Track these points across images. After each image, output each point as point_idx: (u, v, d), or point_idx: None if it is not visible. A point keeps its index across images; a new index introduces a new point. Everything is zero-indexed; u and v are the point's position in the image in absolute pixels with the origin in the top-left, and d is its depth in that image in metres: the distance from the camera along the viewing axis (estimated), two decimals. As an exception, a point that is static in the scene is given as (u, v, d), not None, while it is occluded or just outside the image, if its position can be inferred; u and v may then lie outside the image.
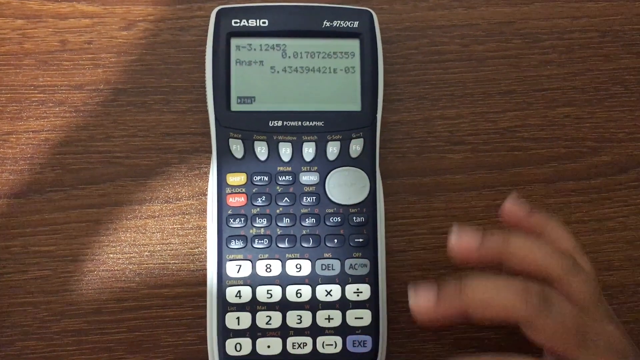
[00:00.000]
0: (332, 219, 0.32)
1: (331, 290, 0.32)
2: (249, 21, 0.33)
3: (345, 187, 0.32)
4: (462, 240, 0.28)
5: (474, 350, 0.35)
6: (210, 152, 0.33)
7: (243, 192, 0.32)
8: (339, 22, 0.33)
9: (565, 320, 0.27)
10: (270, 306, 0.31)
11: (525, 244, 0.28)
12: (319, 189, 0.32)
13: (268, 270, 0.32)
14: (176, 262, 0.34)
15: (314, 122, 0.33)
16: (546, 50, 0.38)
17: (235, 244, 0.32)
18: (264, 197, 0.32)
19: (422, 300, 0.27)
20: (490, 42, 0.37)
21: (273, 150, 0.32)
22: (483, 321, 0.27)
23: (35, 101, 0.35)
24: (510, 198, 0.31)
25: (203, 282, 0.34)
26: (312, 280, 0.32)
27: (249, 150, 0.32)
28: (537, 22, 0.38)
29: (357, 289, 0.32)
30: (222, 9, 0.33)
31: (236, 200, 0.32)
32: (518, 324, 0.27)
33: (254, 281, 0.32)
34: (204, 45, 0.33)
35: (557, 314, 0.26)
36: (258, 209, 0.32)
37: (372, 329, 0.32)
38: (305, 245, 0.32)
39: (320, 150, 0.33)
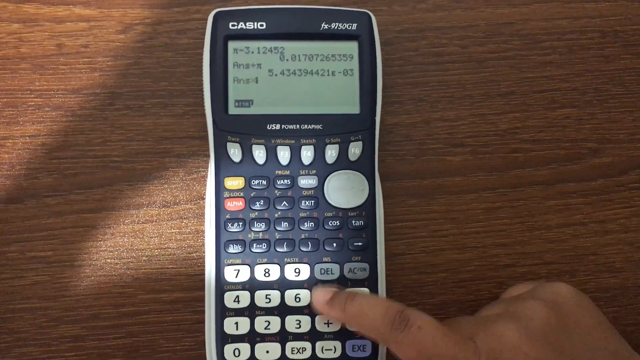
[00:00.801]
0: (331, 223, 0.32)
1: (330, 294, 0.31)
2: (247, 24, 0.33)
3: (344, 191, 0.32)
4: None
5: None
6: (208, 156, 0.33)
7: (241, 196, 0.32)
8: (337, 24, 0.33)
9: (420, 343, 0.27)
10: (268, 311, 0.31)
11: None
12: (318, 192, 0.32)
13: (266, 274, 0.31)
14: (174, 267, 0.34)
15: (313, 125, 0.32)
16: (546, 52, 0.37)
17: (234, 249, 0.31)
18: (262, 201, 0.32)
19: (319, 300, 0.30)
20: (489, 44, 0.37)
21: (271, 154, 0.32)
22: (360, 333, 0.30)
23: (31, 105, 0.35)
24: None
25: (201, 287, 0.33)
26: (311, 284, 0.32)
27: (247, 153, 0.32)
28: (537, 23, 0.38)
29: (357, 293, 0.32)
30: (219, 11, 0.33)
31: (234, 205, 0.32)
32: (383, 342, 0.29)
33: (252, 286, 0.31)
34: (201, 48, 0.33)
35: (411, 335, 0.27)
36: (256, 213, 0.32)
37: (371, 334, 0.31)
38: (304, 249, 0.32)
39: (319, 154, 0.32)
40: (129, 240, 0.34)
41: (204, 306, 0.32)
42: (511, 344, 0.27)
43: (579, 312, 0.30)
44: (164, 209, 0.35)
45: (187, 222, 0.35)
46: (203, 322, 0.32)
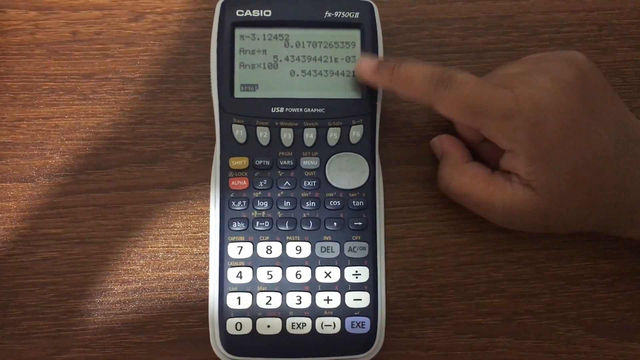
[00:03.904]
0: (332, 203, 0.33)
1: (330, 272, 0.32)
2: (253, 11, 0.34)
3: (345, 172, 0.33)
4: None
5: (472, 336, 0.35)
6: (214, 139, 0.34)
7: (245, 176, 0.33)
8: (340, 12, 0.34)
9: (463, 97, 0.30)
10: (270, 287, 0.32)
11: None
12: (319, 173, 0.33)
13: (269, 252, 0.32)
14: (180, 245, 0.35)
15: (315, 109, 0.33)
16: (544, 44, 0.38)
17: (237, 226, 0.32)
18: (265, 180, 0.33)
19: (366, 68, 0.33)
20: (489, 35, 0.38)
21: (275, 136, 0.33)
22: (405, 97, 0.33)
23: (46, 89, 0.36)
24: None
25: (206, 265, 0.35)
26: (312, 262, 0.32)
27: (252, 135, 0.33)
28: (536, 16, 0.39)
29: (356, 272, 0.32)
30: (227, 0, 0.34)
31: (238, 184, 0.33)
32: (429, 103, 0.31)
33: (254, 262, 0.32)
34: (209, 36, 0.34)
35: (455, 90, 0.30)
36: (259, 192, 0.33)
37: (370, 311, 0.32)
38: (305, 228, 0.33)
39: (321, 136, 0.33)
40: (137, 220, 0.35)
41: (208, 284, 0.33)
42: (548, 93, 0.30)
43: (598, 79, 0.31)
44: (170, 189, 0.36)
45: (192, 202, 0.36)
46: (207, 299, 0.33)
